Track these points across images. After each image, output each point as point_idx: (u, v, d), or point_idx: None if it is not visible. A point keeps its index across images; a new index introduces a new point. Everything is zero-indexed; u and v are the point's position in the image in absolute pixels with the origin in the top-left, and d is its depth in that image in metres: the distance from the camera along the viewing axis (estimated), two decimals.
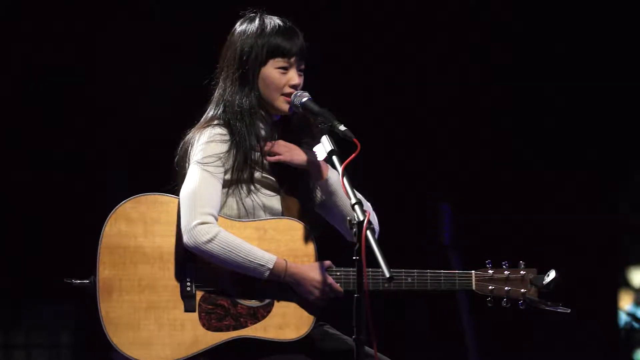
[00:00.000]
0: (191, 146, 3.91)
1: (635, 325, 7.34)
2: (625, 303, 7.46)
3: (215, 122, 3.91)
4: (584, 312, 6.61)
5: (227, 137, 3.87)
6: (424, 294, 3.95)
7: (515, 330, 6.76)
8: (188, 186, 3.80)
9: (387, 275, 3.35)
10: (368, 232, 3.39)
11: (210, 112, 3.97)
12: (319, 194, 4.01)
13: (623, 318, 7.37)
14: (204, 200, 3.77)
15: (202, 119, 3.98)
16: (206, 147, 3.85)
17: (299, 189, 3.99)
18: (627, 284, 7.50)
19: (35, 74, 6.35)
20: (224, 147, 3.86)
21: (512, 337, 6.84)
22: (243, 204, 3.88)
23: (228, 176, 3.87)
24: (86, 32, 6.35)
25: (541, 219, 6.99)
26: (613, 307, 7.33)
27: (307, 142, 3.94)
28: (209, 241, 3.73)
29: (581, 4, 6.91)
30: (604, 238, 7.14)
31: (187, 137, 3.97)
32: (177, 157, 3.99)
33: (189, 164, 3.88)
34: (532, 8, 6.91)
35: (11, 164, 6.34)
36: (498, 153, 6.98)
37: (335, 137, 3.73)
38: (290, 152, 3.93)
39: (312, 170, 3.94)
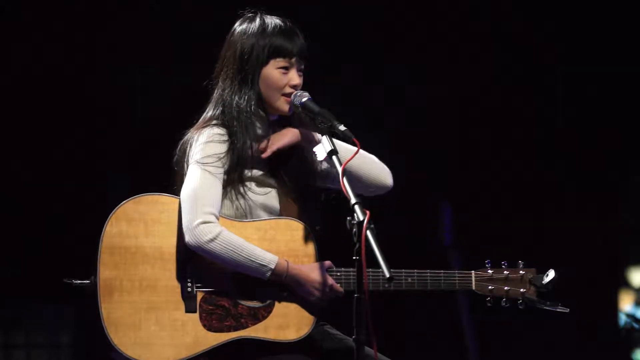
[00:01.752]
0: (190, 146, 3.91)
1: (635, 325, 7.34)
2: (625, 303, 7.45)
3: (214, 122, 3.91)
4: (584, 312, 6.62)
5: (226, 137, 3.88)
6: (423, 293, 3.96)
7: (515, 330, 6.76)
8: (188, 186, 3.80)
9: (387, 275, 3.35)
10: (368, 232, 3.39)
11: (209, 113, 3.97)
12: (316, 166, 4.00)
13: (623, 318, 7.37)
14: (205, 199, 3.77)
15: (200, 119, 3.99)
16: (205, 147, 3.85)
17: (296, 173, 3.99)
18: (627, 284, 7.50)
19: (35, 74, 6.34)
20: (223, 148, 3.86)
21: (512, 337, 6.84)
22: (241, 203, 3.89)
23: (226, 176, 3.88)
24: (86, 32, 6.34)
25: (541, 219, 6.99)
26: (613, 307, 7.33)
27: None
28: (211, 240, 3.73)
29: (581, 4, 6.91)
30: (604, 238, 7.14)
31: (186, 137, 3.97)
32: (176, 157, 3.99)
33: (188, 164, 3.88)
34: (532, 8, 6.91)
35: (11, 164, 6.34)
36: (498, 153, 6.98)
37: (335, 137, 3.73)
38: (275, 137, 3.92)
39: (303, 142, 3.94)
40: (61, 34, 6.30)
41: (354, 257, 3.44)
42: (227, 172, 3.87)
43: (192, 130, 3.96)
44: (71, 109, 6.37)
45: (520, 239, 6.79)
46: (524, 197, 7.00)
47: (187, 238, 3.75)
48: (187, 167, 3.88)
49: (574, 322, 6.64)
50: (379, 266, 3.37)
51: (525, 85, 6.97)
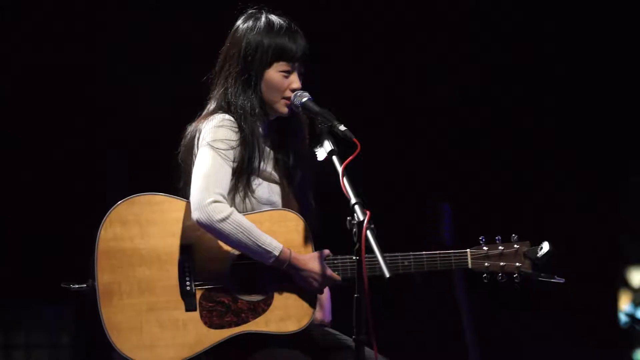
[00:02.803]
0: (199, 133, 3.89)
1: (635, 325, 7.34)
2: (625, 303, 7.45)
3: (221, 111, 3.91)
4: (584, 312, 6.62)
5: (237, 128, 3.88)
6: (423, 291, 3.95)
7: (516, 328, 6.76)
8: (201, 166, 3.79)
9: (387, 275, 3.35)
10: (368, 232, 3.40)
11: (212, 106, 3.97)
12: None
13: (623, 318, 7.37)
14: (217, 182, 3.77)
15: (204, 112, 3.98)
16: (217, 130, 3.85)
17: (299, 176, 4.00)
18: (626, 284, 7.50)
19: (35, 74, 6.34)
20: (234, 134, 3.86)
21: (512, 335, 6.84)
22: (248, 199, 3.89)
23: (235, 166, 3.87)
24: (86, 32, 6.34)
25: (541, 219, 6.99)
26: (613, 307, 7.33)
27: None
28: (223, 220, 3.73)
29: (581, 4, 6.91)
30: (604, 238, 7.14)
31: (191, 128, 3.96)
32: (181, 151, 3.98)
33: (197, 150, 3.86)
34: (532, 8, 6.91)
35: (11, 164, 6.34)
36: (498, 153, 6.98)
37: (335, 137, 3.73)
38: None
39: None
40: (61, 34, 6.31)
41: (354, 257, 3.44)
42: (235, 163, 3.87)
43: (196, 121, 3.95)
44: (71, 109, 6.38)
45: (520, 239, 6.77)
46: (524, 197, 7.00)
47: (198, 215, 3.73)
48: (198, 151, 3.86)
49: (574, 322, 6.65)
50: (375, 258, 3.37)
51: (526, 84, 6.97)
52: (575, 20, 6.92)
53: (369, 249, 3.40)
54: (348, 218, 3.46)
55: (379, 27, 6.80)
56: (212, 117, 3.89)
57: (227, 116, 3.88)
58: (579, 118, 7.03)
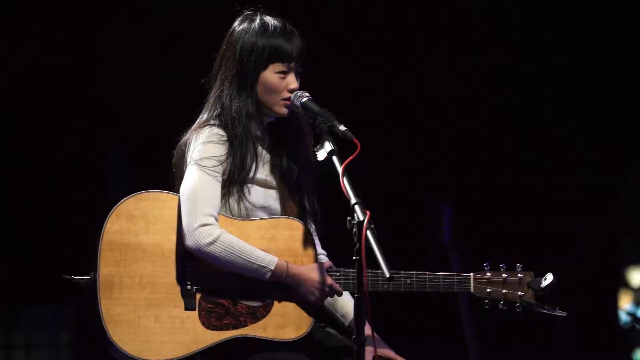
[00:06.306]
0: (188, 147, 3.90)
1: (636, 325, 7.34)
2: (625, 303, 7.45)
3: (212, 122, 3.91)
4: (584, 312, 6.62)
5: (225, 138, 3.88)
6: (423, 292, 3.96)
7: (515, 330, 6.76)
8: (187, 187, 3.80)
9: (387, 275, 3.35)
10: (368, 232, 3.40)
11: (205, 114, 3.97)
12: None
13: (623, 318, 7.36)
14: (204, 201, 3.77)
15: (197, 121, 3.98)
16: (204, 147, 3.85)
17: (298, 182, 4.00)
18: (626, 284, 7.49)
19: (35, 74, 6.34)
20: (223, 148, 3.86)
21: (512, 337, 6.84)
22: (241, 206, 3.89)
23: (226, 177, 3.88)
24: (86, 32, 6.34)
25: (541, 219, 6.99)
26: (613, 307, 7.32)
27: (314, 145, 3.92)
28: (211, 243, 3.74)
29: (581, 4, 6.91)
30: (604, 238, 7.13)
31: (183, 139, 3.97)
32: (174, 159, 3.99)
33: (186, 165, 3.87)
34: (533, 8, 6.91)
35: (11, 164, 6.34)
36: (498, 153, 6.98)
37: (335, 137, 3.73)
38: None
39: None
40: (62, 34, 6.30)
41: (354, 257, 3.44)
42: (227, 174, 3.87)
43: (189, 131, 3.96)
44: (71, 108, 6.37)
45: (520, 239, 6.79)
46: (524, 197, 7.00)
47: (187, 241, 3.75)
48: (186, 168, 3.87)
49: (574, 322, 6.65)
50: (378, 267, 3.37)
51: (525, 85, 6.97)
52: (576, 19, 6.92)
53: (369, 249, 3.39)
54: (348, 218, 3.46)
55: (378, 27, 6.80)
56: (201, 130, 3.89)
57: (214, 129, 3.88)
58: (579, 118, 7.02)
